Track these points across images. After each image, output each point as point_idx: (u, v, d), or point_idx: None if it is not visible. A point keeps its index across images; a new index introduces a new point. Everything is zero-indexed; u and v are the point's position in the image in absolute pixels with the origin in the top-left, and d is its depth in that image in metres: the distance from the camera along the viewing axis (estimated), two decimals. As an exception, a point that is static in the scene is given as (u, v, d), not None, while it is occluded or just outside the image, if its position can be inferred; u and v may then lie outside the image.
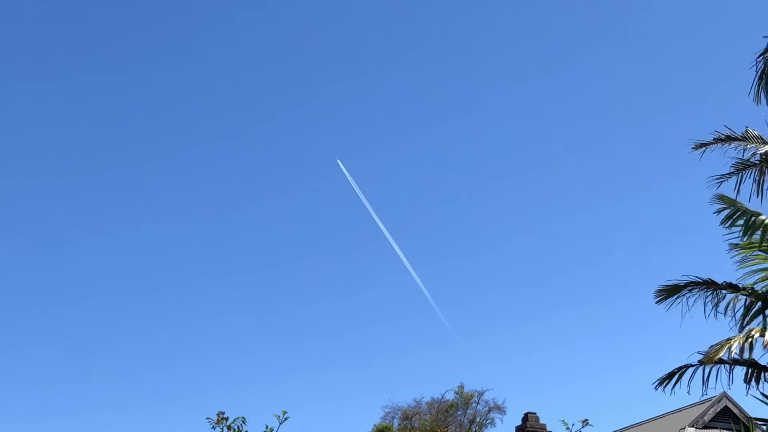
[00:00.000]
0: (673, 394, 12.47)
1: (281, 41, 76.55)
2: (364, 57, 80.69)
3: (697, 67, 76.09)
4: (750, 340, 11.77)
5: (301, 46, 76.90)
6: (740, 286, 12.69)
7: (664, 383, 12.54)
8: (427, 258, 70.96)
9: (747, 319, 12.60)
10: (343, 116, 78.38)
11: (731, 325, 12.76)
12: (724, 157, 13.19)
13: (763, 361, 12.18)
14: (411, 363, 65.82)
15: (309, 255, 74.18)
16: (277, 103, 77.39)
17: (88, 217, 74.44)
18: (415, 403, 47.09)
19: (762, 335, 11.90)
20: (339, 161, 59.55)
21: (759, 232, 11.86)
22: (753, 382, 12.20)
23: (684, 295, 12.84)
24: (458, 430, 45.83)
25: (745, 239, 12.26)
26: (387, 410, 46.90)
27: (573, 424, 10.33)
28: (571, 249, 72.91)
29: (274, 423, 9.08)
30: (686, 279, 12.83)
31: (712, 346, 11.92)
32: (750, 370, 12.19)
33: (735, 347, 11.58)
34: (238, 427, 9.17)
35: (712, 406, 25.71)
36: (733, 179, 13.04)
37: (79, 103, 74.27)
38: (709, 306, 12.77)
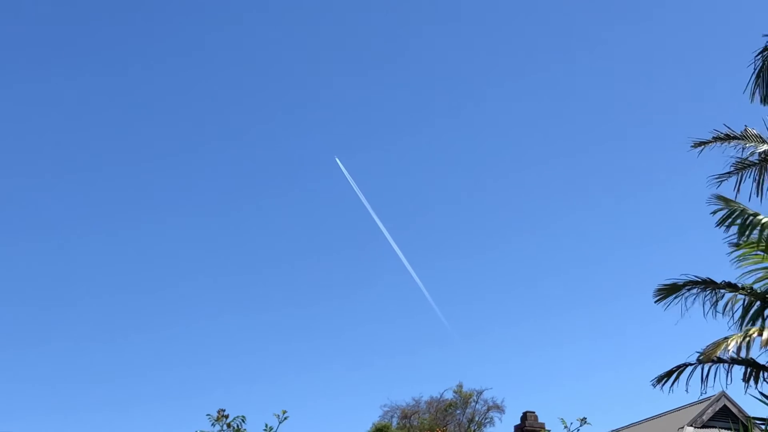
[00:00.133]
0: (671, 392, 12.48)
1: (281, 41, 76.61)
2: (363, 57, 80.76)
3: (697, 67, 76.18)
4: (748, 339, 11.77)
5: (301, 46, 76.99)
6: (739, 285, 12.69)
7: (663, 381, 12.55)
8: (426, 257, 71.10)
9: (746, 318, 12.61)
10: (343, 116, 78.47)
11: (730, 324, 12.79)
12: (723, 156, 13.20)
13: (761, 361, 12.20)
14: (410, 362, 65.95)
15: (309, 255, 74.31)
16: (277, 103, 77.47)
17: (88, 217, 74.49)
18: (414, 402, 47.16)
19: (760, 334, 11.90)
20: (337, 159, 59.51)
21: (756, 232, 11.86)
22: (752, 382, 12.20)
23: (683, 294, 12.84)
24: (457, 429, 45.85)
25: (742, 240, 12.26)
26: (386, 409, 46.99)
27: (571, 423, 10.35)
28: (570, 248, 73.02)
29: (274, 422, 9.10)
30: (685, 278, 12.83)
31: (709, 344, 11.92)
32: (749, 370, 12.19)
33: (732, 346, 11.58)
34: (238, 426, 9.19)
35: (710, 405, 25.72)
36: (733, 178, 13.05)
37: (79, 103, 74.30)
38: (708, 305, 12.78)
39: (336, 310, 70.66)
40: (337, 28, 78.69)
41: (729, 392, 24.99)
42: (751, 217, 11.97)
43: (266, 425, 9.09)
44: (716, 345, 11.69)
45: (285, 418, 9.11)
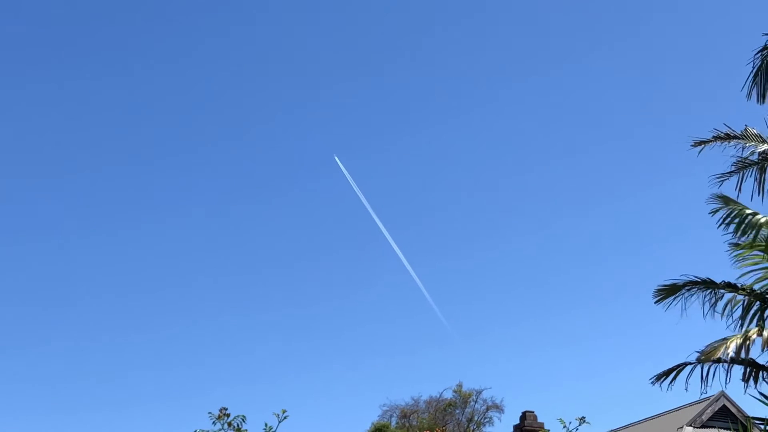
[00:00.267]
0: (669, 389, 12.48)
1: (281, 42, 76.61)
2: (363, 58, 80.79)
3: (697, 67, 76.16)
4: (748, 342, 11.78)
5: (301, 47, 76.98)
6: (739, 285, 12.69)
7: (662, 379, 12.55)
8: (426, 257, 71.17)
9: (746, 319, 12.61)
10: (343, 117, 78.52)
11: (729, 324, 12.78)
12: (723, 155, 13.19)
13: (761, 361, 12.20)
14: (409, 362, 65.99)
15: (308, 255, 74.37)
16: (277, 103, 77.52)
17: (88, 217, 74.52)
18: (414, 402, 47.17)
19: (760, 335, 11.90)
20: (336, 158, 59.51)
21: (753, 232, 11.87)
22: (751, 381, 12.20)
23: (683, 294, 12.84)
24: (456, 428, 45.86)
25: (742, 239, 12.26)
26: (385, 409, 47.00)
27: (570, 423, 10.33)
28: (570, 249, 73.06)
29: (273, 422, 9.09)
30: (685, 279, 12.83)
31: (709, 344, 11.92)
32: (748, 369, 12.20)
33: (732, 347, 11.58)
34: (238, 425, 9.18)
35: (710, 405, 25.72)
36: (735, 177, 13.04)
37: (79, 103, 74.37)
38: (708, 306, 12.78)
39: (336, 310, 70.78)
40: (337, 28, 78.78)
41: (728, 392, 25.02)
42: (749, 217, 11.97)
43: (266, 424, 9.08)
44: (716, 346, 11.69)
45: (284, 418, 9.09)
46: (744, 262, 12.72)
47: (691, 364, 12.35)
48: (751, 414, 13.72)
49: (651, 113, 75.19)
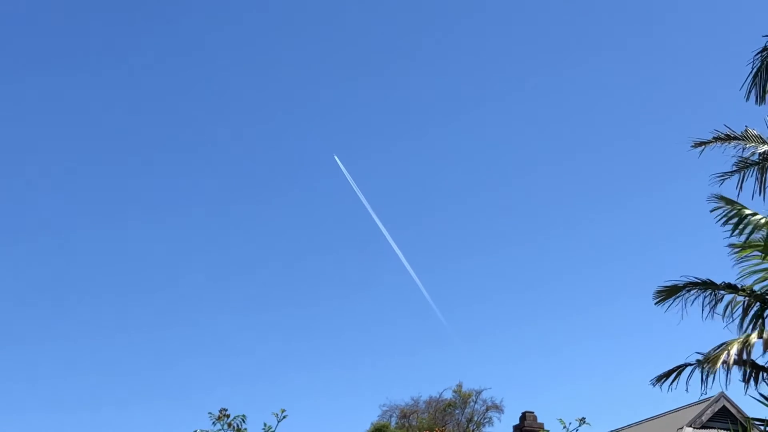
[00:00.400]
0: (670, 391, 12.49)
1: (282, 42, 76.61)
2: (363, 60, 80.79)
3: (697, 68, 76.17)
4: (748, 346, 11.78)
5: (302, 47, 76.97)
6: (739, 286, 12.68)
7: (662, 380, 12.55)
8: (426, 258, 71.12)
9: (746, 319, 12.60)
10: (343, 117, 78.50)
11: (729, 325, 12.78)
12: (724, 156, 13.19)
13: (761, 362, 12.20)
14: (409, 362, 66.00)
15: (309, 255, 74.34)
16: (278, 103, 77.51)
17: (88, 216, 74.53)
18: (413, 402, 47.17)
19: (760, 337, 11.90)
20: (336, 157, 59.48)
21: (750, 231, 11.87)
22: (751, 382, 12.20)
23: (683, 295, 12.84)
24: (456, 428, 45.85)
25: (740, 239, 12.25)
26: (385, 409, 46.99)
27: (570, 423, 10.33)
28: (570, 250, 73.09)
29: (273, 421, 9.09)
30: (685, 280, 12.84)
31: (710, 351, 11.95)
32: (748, 371, 12.20)
33: (733, 352, 11.59)
34: (238, 425, 9.18)
35: (710, 405, 25.72)
36: (735, 177, 13.03)
37: (79, 102, 74.36)
38: (708, 307, 12.78)
39: (336, 310, 70.79)
40: (337, 28, 78.77)
41: (728, 393, 25.00)
42: (748, 217, 11.97)
43: (265, 424, 9.08)
44: (718, 353, 11.68)
45: (284, 417, 9.10)
46: (743, 263, 12.73)
47: (691, 365, 12.34)
48: (751, 415, 13.70)
49: (651, 115, 75.27)
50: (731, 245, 12.64)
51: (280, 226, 75.04)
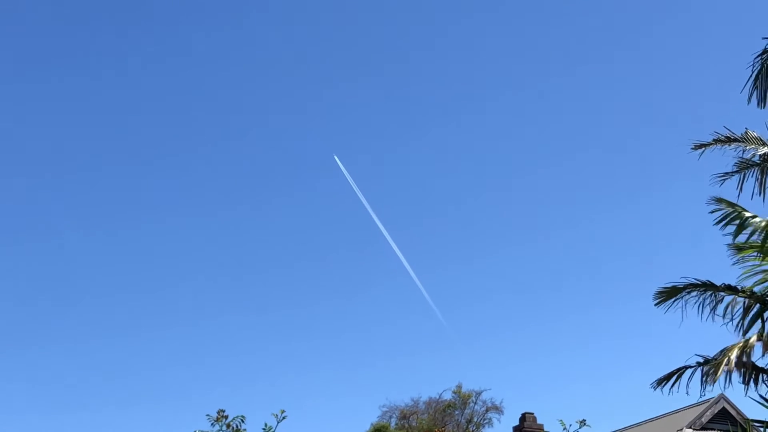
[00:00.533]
0: (671, 394, 12.50)
1: (282, 42, 76.63)
2: (364, 60, 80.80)
3: (697, 69, 76.18)
4: (748, 349, 11.79)
5: (301, 47, 77.00)
6: (739, 288, 12.69)
7: (663, 384, 12.56)
8: (426, 259, 71.12)
9: (746, 321, 12.61)
10: (344, 117, 78.50)
11: (729, 327, 12.78)
12: (724, 158, 13.21)
13: (761, 363, 12.21)
14: (409, 363, 65.89)
15: (309, 255, 74.32)
16: (278, 104, 77.49)
17: (88, 217, 74.54)
18: (413, 403, 47.12)
19: (760, 339, 11.91)
20: (336, 157, 59.45)
21: (749, 232, 11.88)
22: (751, 384, 12.21)
23: (683, 297, 12.85)
24: (456, 429, 45.83)
25: (741, 241, 12.26)
26: (384, 409, 46.94)
27: (570, 425, 10.34)
28: (570, 251, 73.07)
29: (272, 422, 9.09)
30: (685, 281, 12.85)
31: (711, 358, 11.97)
32: (748, 372, 12.20)
33: (734, 357, 11.60)
34: (237, 426, 9.19)
35: (709, 407, 25.72)
36: (736, 177, 13.04)
37: (79, 103, 74.40)
38: (708, 308, 12.78)
39: (335, 311, 70.75)
40: (338, 28, 78.80)
41: (728, 395, 25.02)
42: (748, 219, 11.98)
43: (265, 424, 9.09)
44: (719, 359, 11.70)
45: (283, 418, 9.11)
46: (744, 265, 12.73)
47: (691, 367, 12.36)
48: (750, 416, 13.70)
49: (652, 115, 75.26)
50: (731, 246, 12.65)
51: (280, 226, 75.13)
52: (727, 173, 13.15)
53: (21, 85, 72.34)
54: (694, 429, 25.31)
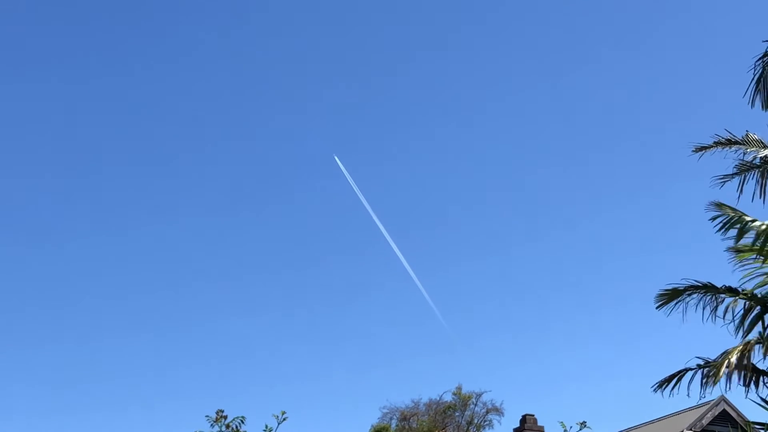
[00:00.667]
0: (671, 396, 12.51)
1: (282, 42, 76.64)
2: (364, 60, 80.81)
3: (697, 70, 76.19)
4: (748, 352, 11.79)
5: (302, 48, 77.02)
6: (740, 290, 12.70)
7: (663, 386, 12.57)
8: (427, 260, 71.12)
9: (746, 323, 12.61)
10: (344, 117, 78.51)
11: (730, 329, 12.79)
12: (725, 160, 13.22)
13: (761, 366, 12.20)
14: (409, 364, 65.86)
15: (309, 256, 74.32)
16: (277, 103, 77.53)
17: (88, 217, 74.57)
18: (413, 404, 47.10)
19: (760, 341, 11.92)
20: (336, 158, 59.43)
21: (750, 236, 11.88)
22: (752, 386, 12.21)
23: (684, 299, 12.86)
24: (456, 431, 45.83)
25: (739, 244, 12.26)
26: (385, 411, 46.93)
27: (571, 427, 10.34)
28: (571, 253, 73.00)
29: (273, 423, 9.10)
30: (686, 283, 12.85)
31: (712, 361, 11.97)
32: (748, 374, 12.20)
33: (734, 360, 11.60)
34: (237, 427, 9.19)
35: (710, 409, 25.70)
36: (736, 179, 13.05)
37: (79, 103, 74.43)
38: (708, 310, 12.79)
39: (336, 312, 70.74)
40: (338, 28, 78.82)
41: (728, 397, 24.99)
42: (748, 223, 11.98)
43: (266, 426, 9.10)
44: (720, 362, 11.71)
45: (284, 419, 9.11)
46: (745, 267, 12.72)
47: (691, 369, 12.37)
48: (751, 418, 13.71)
49: (652, 116, 75.28)
50: (731, 248, 12.65)
51: (281, 227, 75.15)
52: (727, 175, 13.16)
53: (21, 85, 72.48)
54: (694, 431, 25.30)
